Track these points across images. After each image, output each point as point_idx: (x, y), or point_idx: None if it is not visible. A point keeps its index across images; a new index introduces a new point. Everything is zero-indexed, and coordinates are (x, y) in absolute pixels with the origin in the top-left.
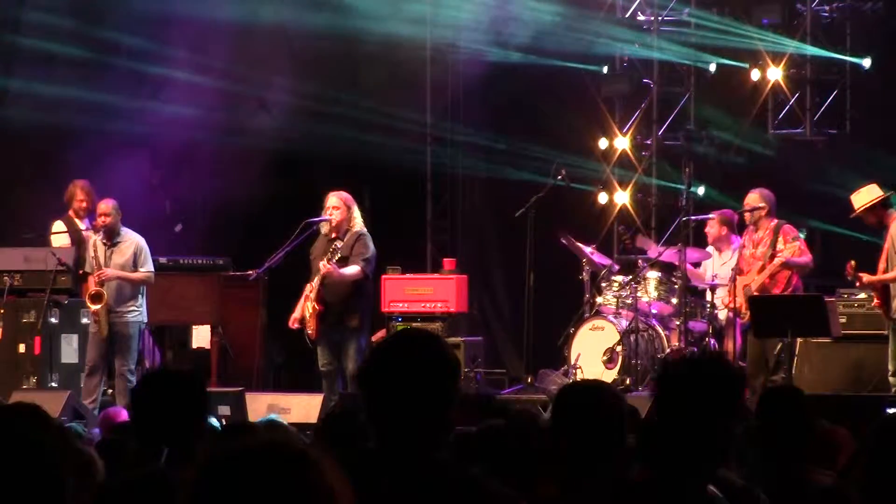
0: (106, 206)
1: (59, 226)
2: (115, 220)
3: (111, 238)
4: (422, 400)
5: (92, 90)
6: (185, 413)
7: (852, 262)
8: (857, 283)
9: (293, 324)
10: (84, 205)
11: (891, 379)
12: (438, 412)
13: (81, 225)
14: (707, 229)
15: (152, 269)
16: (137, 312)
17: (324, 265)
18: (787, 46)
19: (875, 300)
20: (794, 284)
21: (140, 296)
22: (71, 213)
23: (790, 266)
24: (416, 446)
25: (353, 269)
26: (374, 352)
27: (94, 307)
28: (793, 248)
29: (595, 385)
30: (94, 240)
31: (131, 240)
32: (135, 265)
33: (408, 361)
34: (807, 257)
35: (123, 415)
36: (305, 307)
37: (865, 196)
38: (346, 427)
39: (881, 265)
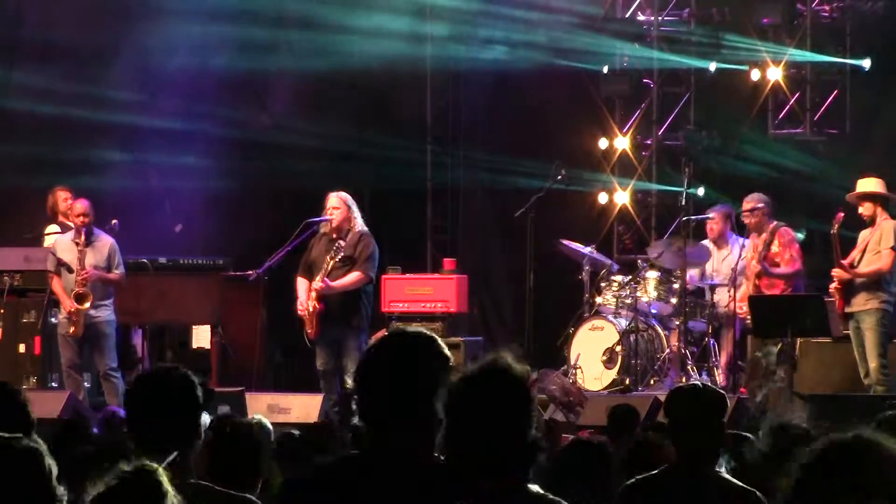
0: (82, 206)
1: (53, 229)
2: (93, 220)
3: (87, 237)
4: (416, 399)
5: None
6: (182, 415)
7: (842, 214)
8: (834, 280)
9: (302, 311)
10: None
11: (865, 381)
12: (433, 411)
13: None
14: (710, 226)
15: (125, 270)
16: (110, 311)
17: (318, 282)
18: (786, 54)
19: (837, 301)
20: (791, 286)
21: (112, 295)
22: (61, 218)
23: (773, 275)
24: (410, 446)
25: (351, 278)
26: (368, 352)
27: (82, 306)
28: (776, 251)
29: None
30: (63, 240)
31: (105, 240)
32: (109, 265)
33: (402, 361)
34: (792, 267)
35: (122, 414)
36: (308, 305)
37: (874, 185)
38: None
39: (854, 256)
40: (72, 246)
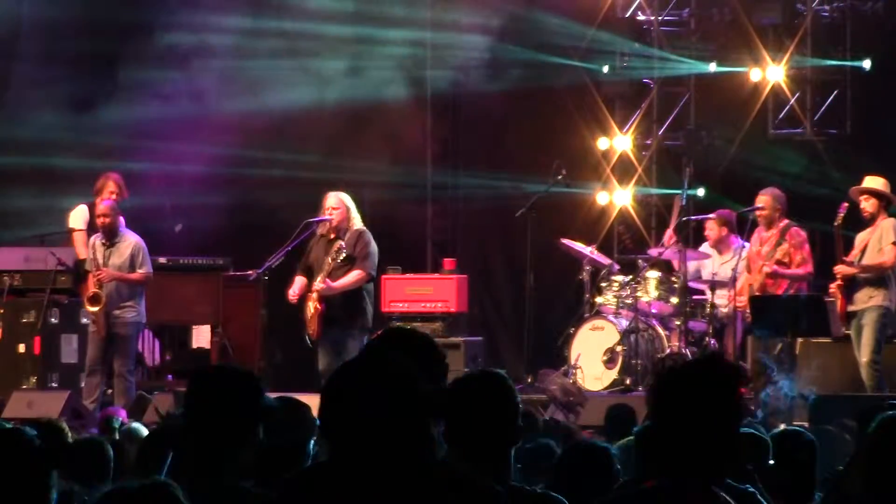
0: (104, 206)
1: (82, 210)
2: (114, 221)
3: (110, 238)
4: (415, 400)
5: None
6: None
7: (846, 204)
8: (837, 277)
9: (293, 297)
10: (115, 198)
11: (863, 371)
12: (413, 420)
13: None
14: (707, 231)
15: (151, 270)
16: (135, 313)
17: (319, 283)
18: (786, 55)
19: (839, 300)
20: (796, 285)
21: (139, 296)
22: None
23: (784, 277)
24: (406, 447)
25: (351, 277)
26: (361, 354)
27: (92, 309)
28: (784, 250)
29: None
30: (94, 240)
31: (130, 240)
32: (132, 265)
33: (368, 389)
34: (804, 269)
35: (121, 415)
36: (308, 307)
37: (881, 184)
38: None
39: (854, 255)
40: (98, 247)
